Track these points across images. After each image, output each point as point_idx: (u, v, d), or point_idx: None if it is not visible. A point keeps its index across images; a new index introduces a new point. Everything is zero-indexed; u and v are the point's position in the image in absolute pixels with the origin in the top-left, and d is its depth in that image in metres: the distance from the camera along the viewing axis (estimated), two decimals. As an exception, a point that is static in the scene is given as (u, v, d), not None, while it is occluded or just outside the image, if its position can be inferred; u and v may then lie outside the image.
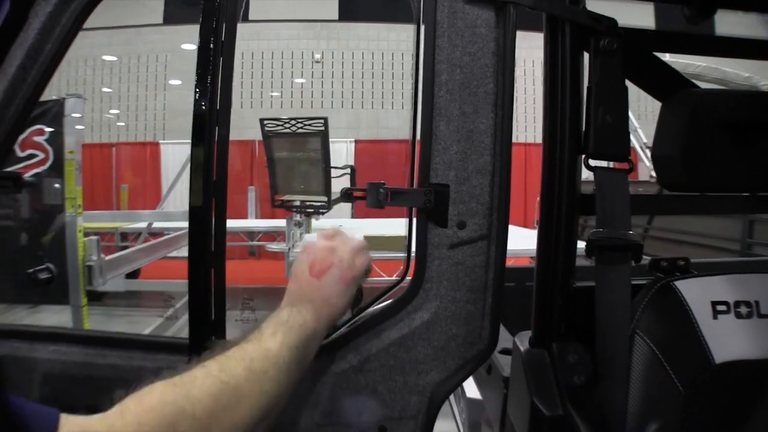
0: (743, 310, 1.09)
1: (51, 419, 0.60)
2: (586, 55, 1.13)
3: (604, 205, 1.09)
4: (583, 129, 1.12)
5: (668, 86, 1.18)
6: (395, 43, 11.60)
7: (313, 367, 1.12)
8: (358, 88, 11.61)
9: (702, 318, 1.08)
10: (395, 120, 11.78)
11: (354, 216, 8.47)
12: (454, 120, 1.11)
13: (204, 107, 1.07)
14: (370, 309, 1.20)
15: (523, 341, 1.20)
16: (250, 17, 10.80)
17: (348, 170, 5.57)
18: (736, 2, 1.23)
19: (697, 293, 1.10)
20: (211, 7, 1.08)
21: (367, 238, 4.88)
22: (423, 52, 1.12)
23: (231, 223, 7.34)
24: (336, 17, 11.04)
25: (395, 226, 6.46)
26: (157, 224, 6.95)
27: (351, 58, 11.44)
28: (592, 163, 1.12)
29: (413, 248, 1.21)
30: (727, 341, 1.07)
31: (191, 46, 11.45)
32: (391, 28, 11.48)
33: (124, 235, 8.34)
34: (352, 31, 11.22)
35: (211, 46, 1.07)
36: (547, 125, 1.13)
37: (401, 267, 4.54)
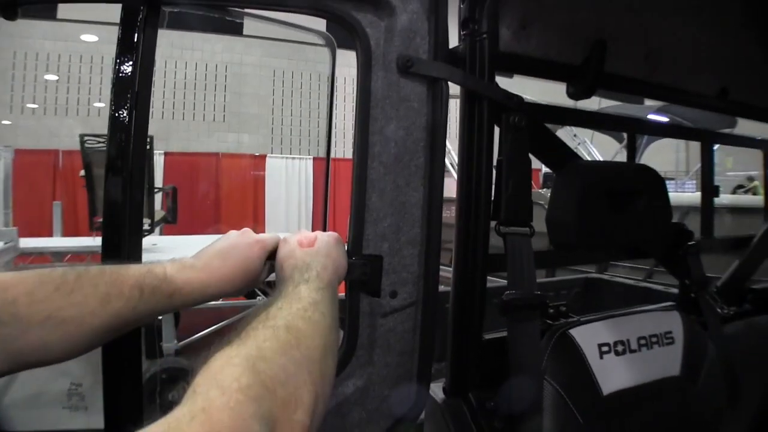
0: (620, 348, 1.31)
1: None
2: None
3: (514, 267, 1.21)
4: (493, 198, 1.22)
5: (560, 158, 1.34)
6: (209, 54, 11.27)
7: None
8: (169, 98, 11.06)
9: (592, 358, 1.26)
10: (206, 133, 11.41)
11: (162, 233, 8.00)
12: (387, 193, 1.14)
13: (123, 119, 1.01)
14: None
15: (435, 391, 1.27)
16: (59, 17, 9.84)
17: (169, 191, 5.28)
18: (610, 86, 1.42)
19: (587, 338, 1.28)
20: (133, 19, 1.02)
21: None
22: (355, 120, 1.13)
23: (36, 242, 6.53)
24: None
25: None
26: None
27: (164, 66, 10.87)
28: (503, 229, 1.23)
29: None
30: (610, 375, 1.27)
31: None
32: (206, 38, 11.12)
33: None
34: (164, 39, 10.64)
35: (131, 60, 1.02)
36: (462, 193, 1.21)
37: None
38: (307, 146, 12.13)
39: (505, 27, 1.24)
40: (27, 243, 6.03)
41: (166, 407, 0.55)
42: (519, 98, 1.20)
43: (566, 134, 8.59)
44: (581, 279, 3.03)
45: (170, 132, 10.89)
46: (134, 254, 1.05)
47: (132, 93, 1.02)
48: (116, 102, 1.01)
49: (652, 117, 6.29)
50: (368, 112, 1.12)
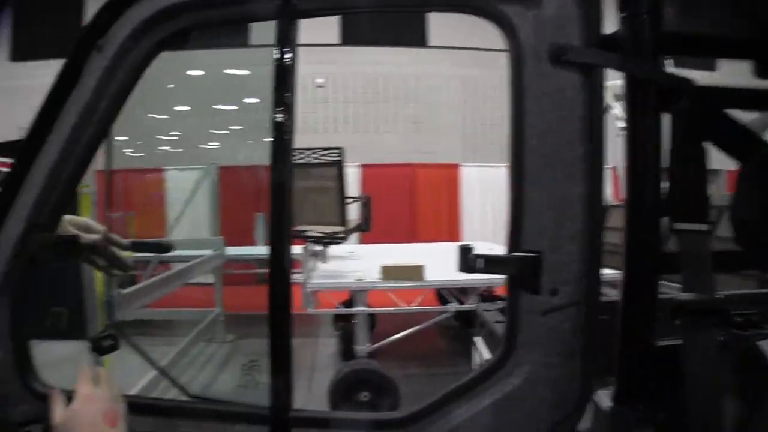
0: None
1: None
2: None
3: (689, 268, 1.10)
4: (665, 191, 1.12)
5: (746, 146, 1.18)
6: (397, 66, 11.66)
7: None
8: (361, 112, 11.63)
9: None
10: (396, 144, 11.80)
11: (360, 242, 8.43)
12: (546, 186, 1.11)
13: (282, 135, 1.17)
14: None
15: (601, 399, 1.20)
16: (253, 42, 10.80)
17: (363, 200, 5.55)
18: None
19: None
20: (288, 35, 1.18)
21: (385, 268, 4.86)
22: (510, 114, 1.12)
23: (241, 251, 7.33)
24: (338, 41, 11.05)
25: (407, 252, 6.46)
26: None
27: (353, 82, 11.46)
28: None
29: None
30: None
31: None
32: (394, 51, 11.55)
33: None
34: (354, 55, 11.36)
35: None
36: (630, 188, 1.13)
37: (420, 297, 4.53)
38: (500, 153, 12.03)
39: (668, 4, 1.13)
40: (232, 251, 7.03)
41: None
42: (689, 81, 1.10)
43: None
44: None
45: (366, 145, 11.37)
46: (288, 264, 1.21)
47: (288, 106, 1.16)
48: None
49: None
50: (522, 105, 1.11)
